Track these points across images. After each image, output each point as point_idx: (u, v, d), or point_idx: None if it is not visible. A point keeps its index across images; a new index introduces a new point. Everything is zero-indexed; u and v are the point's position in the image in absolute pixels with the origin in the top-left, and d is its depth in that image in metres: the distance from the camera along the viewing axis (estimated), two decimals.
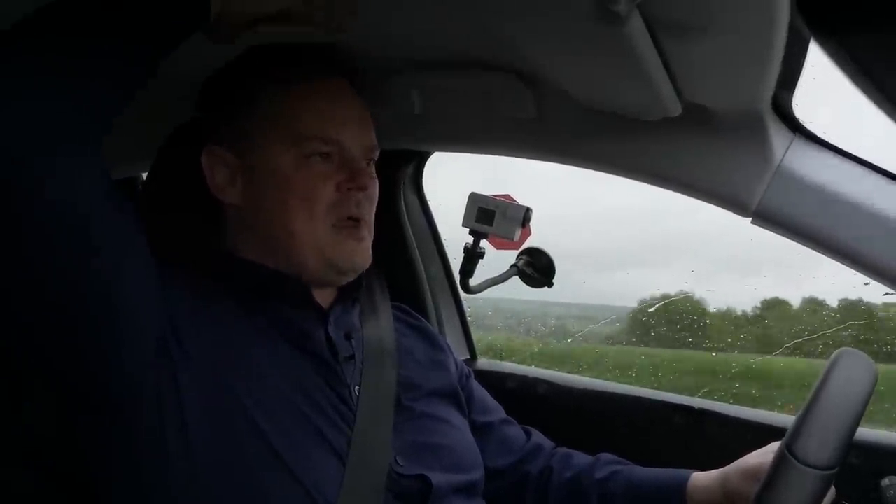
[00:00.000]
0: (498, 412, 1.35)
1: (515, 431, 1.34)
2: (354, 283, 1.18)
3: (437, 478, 1.08)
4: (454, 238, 1.78)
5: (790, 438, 0.84)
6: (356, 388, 1.09)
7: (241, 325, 1.06)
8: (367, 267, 1.14)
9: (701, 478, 1.19)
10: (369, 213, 1.12)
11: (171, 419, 0.95)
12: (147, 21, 0.88)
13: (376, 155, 1.16)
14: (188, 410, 0.96)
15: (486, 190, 1.45)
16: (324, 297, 1.15)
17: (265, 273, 1.10)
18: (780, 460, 0.84)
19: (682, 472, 1.21)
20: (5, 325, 0.91)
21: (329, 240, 1.08)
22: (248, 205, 1.11)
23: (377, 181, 1.15)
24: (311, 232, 1.07)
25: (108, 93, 0.86)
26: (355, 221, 1.10)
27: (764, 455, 1.12)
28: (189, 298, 1.03)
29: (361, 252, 1.11)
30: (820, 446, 0.83)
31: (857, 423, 0.85)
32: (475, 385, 1.35)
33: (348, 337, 1.14)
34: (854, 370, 0.86)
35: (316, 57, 1.13)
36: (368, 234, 1.13)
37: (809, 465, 0.83)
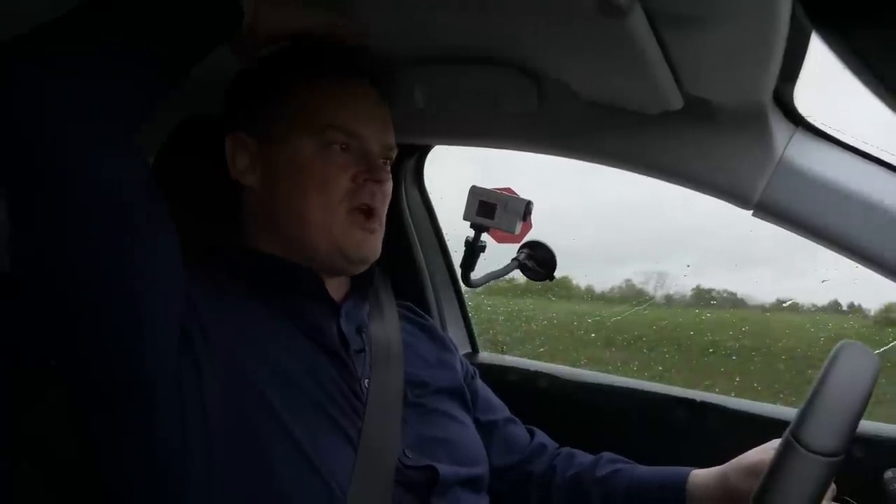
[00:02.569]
0: (502, 411, 1.36)
1: (519, 431, 1.35)
2: (366, 279, 1.20)
3: (444, 469, 1.10)
4: (454, 232, 1.79)
5: (795, 425, 0.85)
6: (366, 381, 1.11)
7: (258, 315, 1.07)
8: (375, 259, 1.16)
9: (700, 475, 1.19)
10: (382, 207, 1.14)
11: (191, 409, 0.97)
12: (180, 32, 0.92)
13: (393, 155, 1.19)
14: (209, 400, 0.97)
15: (479, 181, 1.45)
16: (336, 290, 1.16)
17: (280, 265, 1.12)
18: (785, 447, 0.85)
19: (682, 469, 1.22)
20: (32, 312, 0.93)
21: (340, 227, 1.10)
22: (266, 189, 1.13)
23: (392, 180, 1.17)
24: (323, 218, 1.09)
25: (140, 95, 0.90)
26: (368, 211, 1.12)
27: (764, 452, 1.13)
28: (210, 289, 1.05)
29: (370, 243, 1.13)
30: (825, 433, 0.83)
31: (861, 411, 0.85)
32: (480, 384, 1.36)
33: (359, 331, 1.16)
34: (856, 361, 0.86)
35: (343, 57, 1.15)
36: (379, 228, 1.15)
37: (814, 452, 0.83)
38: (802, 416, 0.85)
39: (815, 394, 0.85)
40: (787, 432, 0.86)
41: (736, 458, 1.15)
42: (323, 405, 1.03)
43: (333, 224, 1.10)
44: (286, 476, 0.98)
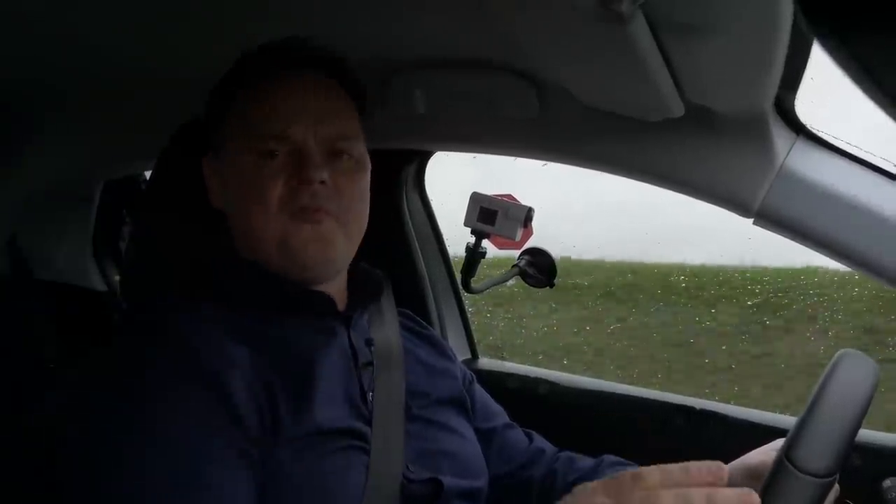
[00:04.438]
0: (500, 417, 1.34)
1: (517, 436, 1.34)
2: (373, 289, 1.19)
3: (447, 481, 1.08)
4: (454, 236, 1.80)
5: (788, 445, 0.84)
6: (370, 394, 1.09)
7: (276, 329, 1.05)
8: (333, 260, 1.10)
9: None
10: (335, 204, 1.07)
11: None
12: None
13: (348, 145, 1.11)
14: None
15: (478, 184, 1.46)
16: (339, 302, 1.14)
17: (291, 285, 1.09)
18: (778, 467, 0.84)
19: None
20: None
21: (285, 229, 1.05)
22: (228, 209, 1.12)
23: (357, 173, 1.12)
24: (267, 226, 1.06)
25: None
26: (312, 212, 1.06)
27: (765, 453, 1.12)
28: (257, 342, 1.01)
29: (317, 239, 1.06)
30: (819, 453, 0.83)
31: (857, 429, 0.84)
32: (478, 389, 1.34)
33: (368, 343, 1.14)
34: (855, 372, 0.86)
35: (285, 54, 1.11)
36: (335, 227, 1.08)
37: (808, 473, 0.82)
38: (796, 436, 0.84)
39: (810, 412, 0.84)
40: (780, 452, 0.85)
41: (738, 459, 1.15)
42: (336, 419, 1.02)
43: (277, 229, 1.05)
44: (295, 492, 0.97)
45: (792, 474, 0.82)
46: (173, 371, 0.94)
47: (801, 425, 0.84)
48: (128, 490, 0.88)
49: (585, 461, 1.30)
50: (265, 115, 1.07)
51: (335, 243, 1.08)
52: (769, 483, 0.84)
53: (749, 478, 1.11)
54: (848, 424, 0.83)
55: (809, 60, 1.02)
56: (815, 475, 0.82)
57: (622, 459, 1.29)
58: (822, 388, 0.85)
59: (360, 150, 1.13)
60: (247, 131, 1.08)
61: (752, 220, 1.20)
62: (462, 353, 1.82)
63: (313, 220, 1.06)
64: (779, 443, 1.10)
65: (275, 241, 1.06)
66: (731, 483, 1.13)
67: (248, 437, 0.93)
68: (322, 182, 1.05)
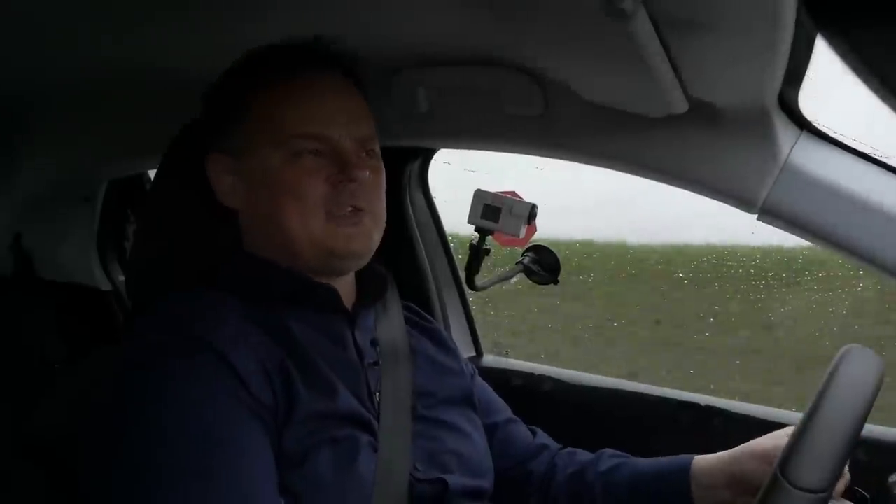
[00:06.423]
0: (503, 412, 1.35)
1: (520, 431, 1.34)
2: (379, 287, 1.19)
3: (453, 481, 1.09)
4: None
5: (783, 460, 0.82)
6: (377, 394, 1.10)
7: (289, 325, 1.06)
8: (369, 252, 1.13)
9: (704, 460, 1.19)
10: (371, 202, 1.11)
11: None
12: None
13: (374, 145, 1.15)
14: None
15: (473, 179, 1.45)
16: (346, 299, 1.15)
17: (297, 278, 1.10)
18: (772, 482, 0.82)
19: (685, 457, 1.21)
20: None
21: (323, 230, 1.07)
22: (249, 208, 1.12)
23: (382, 170, 1.15)
24: (304, 226, 1.07)
25: None
26: (353, 211, 1.09)
27: (776, 438, 1.12)
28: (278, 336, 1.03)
29: (359, 237, 1.10)
30: (814, 468, 0.81)
31: (855, 439, 0.82)
32: (479, 383, 1.35)
33: (374, 343, 1.15)
34: (858, 374, 0.83)
35: (307, 54, 1.12)
36: (371, 222, 1.11)
37: (802, 489, 0.80)
38: (791, 449, 0.82)
39: (806, 423, 0.82)
40: (774, 466, 0.83)
41: (748, 444, 1.15)
42: (345, 418, 1.02)
43: (315, 230, 1.07)
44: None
45: (785, 490, 0.80)
46: (180, 355, 0.96)
47: (797, 438, 0.82)
48: (153, 477, 0.90)
49: (585, 454, 1.31)
50: (301, 115, 1.08)
51: (372, 237, 1.12)
52: (762, 498, 0.83)
53: (759, 461, 1.11)
54: (847, 435, 0.81)
55: (813, 55, 1.02)
56: (810, 490, 0.80)
57: (620, 452, 1.29)
58: (822, 394, 0.83)
59: (378, 148, 1.17)
60: (277, 131, 1.08)
61: (756, 216, 1.20)
62: (466, 351, 1.82)
63: (352, 223, 1.09)
64: (791, 430, 1.10)
65: (311, 240, 1.07)
66: (739, 466, 1.13)
67: (261, 405, 0.95)
68: (354, 181, 1.08)
